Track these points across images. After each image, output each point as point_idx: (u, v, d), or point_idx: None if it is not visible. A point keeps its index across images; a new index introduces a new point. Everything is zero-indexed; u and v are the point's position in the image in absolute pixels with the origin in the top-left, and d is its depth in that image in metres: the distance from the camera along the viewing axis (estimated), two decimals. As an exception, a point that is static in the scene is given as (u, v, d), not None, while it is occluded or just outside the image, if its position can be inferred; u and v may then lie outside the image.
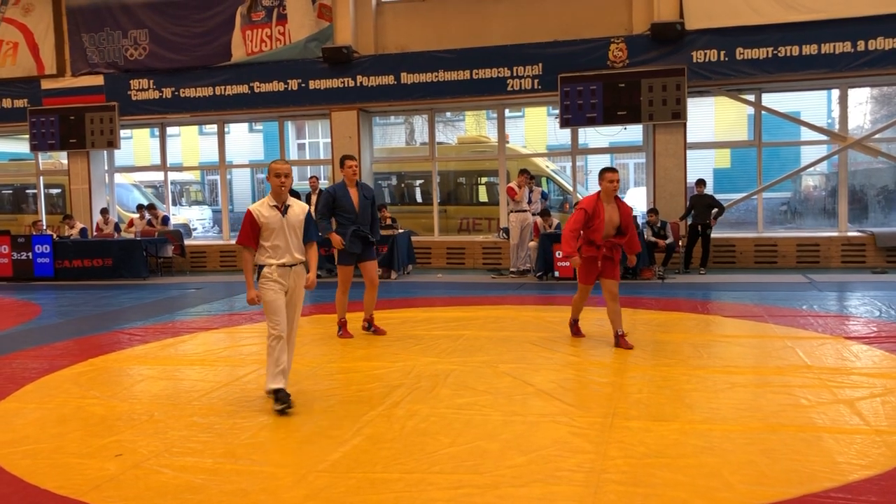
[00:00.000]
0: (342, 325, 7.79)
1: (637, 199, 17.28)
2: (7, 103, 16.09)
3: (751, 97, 13.69)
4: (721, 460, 4.07)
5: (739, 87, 13.39)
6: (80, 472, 4.15)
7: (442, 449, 4.34)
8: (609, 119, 13.35)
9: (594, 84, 13.19)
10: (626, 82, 13.08)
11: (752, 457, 4.10)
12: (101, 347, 7.65)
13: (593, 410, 5.01)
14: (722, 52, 12.88)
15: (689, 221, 12.68)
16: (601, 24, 13.49)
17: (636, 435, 4.49)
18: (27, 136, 16.13)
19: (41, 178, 17.62)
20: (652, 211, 12.59)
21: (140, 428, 4.87)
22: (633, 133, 17.97)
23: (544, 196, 13.63)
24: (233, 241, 16.42)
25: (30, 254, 14.13)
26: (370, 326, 7.86)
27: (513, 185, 12.88)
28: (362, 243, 7.58)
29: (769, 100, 13.83)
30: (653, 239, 12.38)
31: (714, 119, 22.20)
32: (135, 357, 7.21)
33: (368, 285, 7.76)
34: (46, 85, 15.85)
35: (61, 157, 17.68)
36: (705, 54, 12.95)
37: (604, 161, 25.63)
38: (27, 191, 19.54)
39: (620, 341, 6.95)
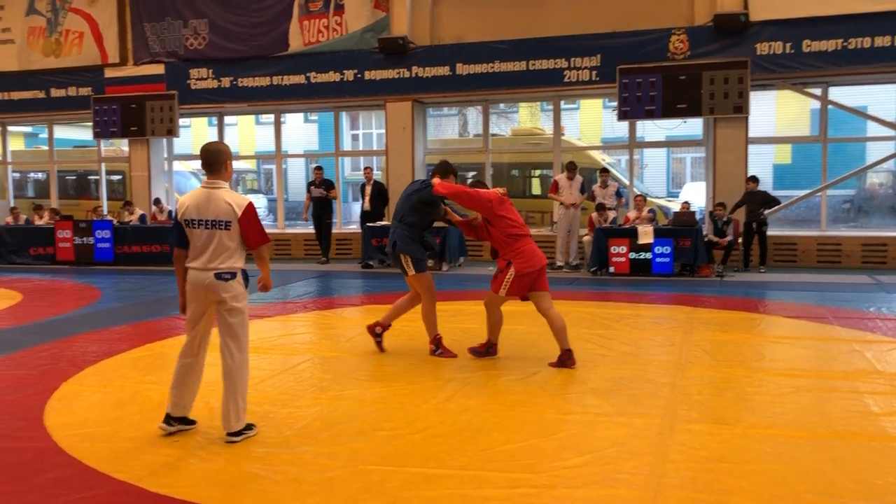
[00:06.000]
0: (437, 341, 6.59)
1: (694, 195, 16.92)
2: (72, 91, 16.46)
3: (817, 91, 13.25)
4: (787, 468, 3.92)
5: (805, 80, 12.97)
6: (137, 458, 4.19)
7: (496, 446, 4.27)
8: (668, 112, 13.06)
9: (654, 76, 12.91)
10: (686, 75, 12.76)
11: (819, 465, 3.94)
12: (159, 332, 7.76)
13: (652, 411, 4.88)
14: (788, 45, 12.47)
15: (744, 219, 12.35)
16: (662, 15, 13.18)
17: (697, 438, 4.36)
18: (90, 123, 16.49)
19: (103, 164, 18.02)
20: (720, 205, 12.25)
21: (196, 415, 4.90)
22: (691, 127, 17.60)
23: (620, 193, 13.31)
24: (288, 230, 16.58)
25: (91, 239, 14.45)
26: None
27: (558, 178, 12.84)
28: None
29: (836, 94, 13.37)
30: (713, 238, 12.09)
31: (775, 113, 21.62)
32: (191, 343, 7.28)
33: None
34: (109, 73, 16.17)
35: (122, 145, 18.05)
36: (770, 46, 12.56)
37: (661, 155, 25.26)
38: (89, 177, 20.03)
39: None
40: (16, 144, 22.74)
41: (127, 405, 5.22)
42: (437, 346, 6.54)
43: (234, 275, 4.43)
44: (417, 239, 6.43)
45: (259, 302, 9.80)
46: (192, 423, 4.68)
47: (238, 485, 3.81)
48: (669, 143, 20.78)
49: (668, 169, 26.23)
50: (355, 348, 7.01)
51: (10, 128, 18.79)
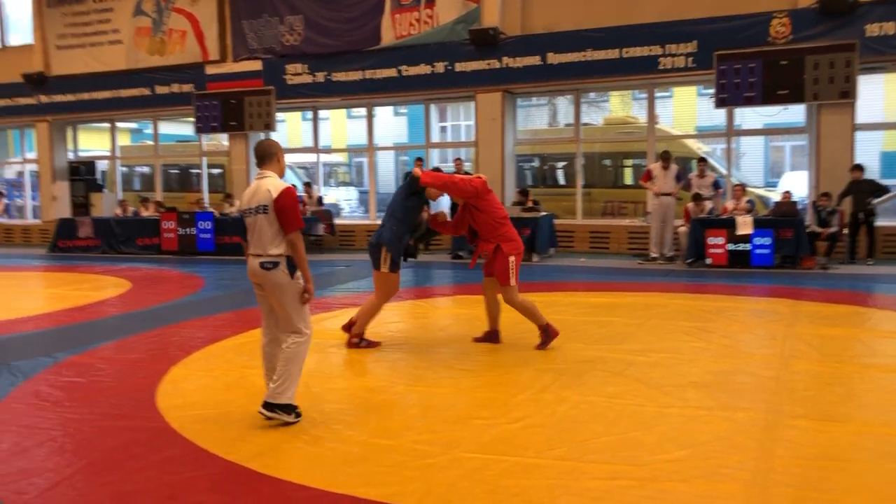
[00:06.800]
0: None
1: (794, 184, 16.27)
2: (175, 88, 17.15)
3: (932, 73, 12.52)
4: (905, 468, 3.73)
5: (921, 62, 12.27)
6: (245, 439, 4.35)
7: (595, 438, 4.23)
8: (769, 98, 12.58)
9: (753, 61, 12.46)
10: (788, 59, 12.26)
11: (942, 467, 3.74)
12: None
13: (755, 406, 4.74)
14: (901, 25, 11.82)
15: (851, 210, 11.77)
16: (762, -3, 12.70)
17: (805, 435, 4.21)
18: (192, 119, 17.14)
19: (204, 158, 18.69)
20: (825, 195, 11.74)
21: (298, 400, 5.03)
22: (792, 114, 16.91)
23: (718, 184, 12.90)
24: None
25: (193, 230, 15.03)
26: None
27: (652, 167, 12.57)
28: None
29: (954, 76, 12.61)
30: (816, 229, 11.60)
31: (884, 98, 20.53)
32: (290, 331, 7.50)
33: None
34: (210, 70, 16.75)
35: (222, 139, 18.69)
36: (881, 27, 11.92)
37: (758, 143, 24.39)
38: (191, 170, 20.81)
39: None
40: (123, 140, 23.85)
41: (233, 389, 5.42)
42: (361, 339, 6.58)
43: (276, 264, 4.52)
44: (403, 239, 6.53)
45: (353, 291, 10.00)
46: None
47: (340, 468, 3.90)
48: (768, 131, 20.11)
49: (765, 158, 25.32)
50: (448, 338, 7.08)
51: (118, 124, 19.74)
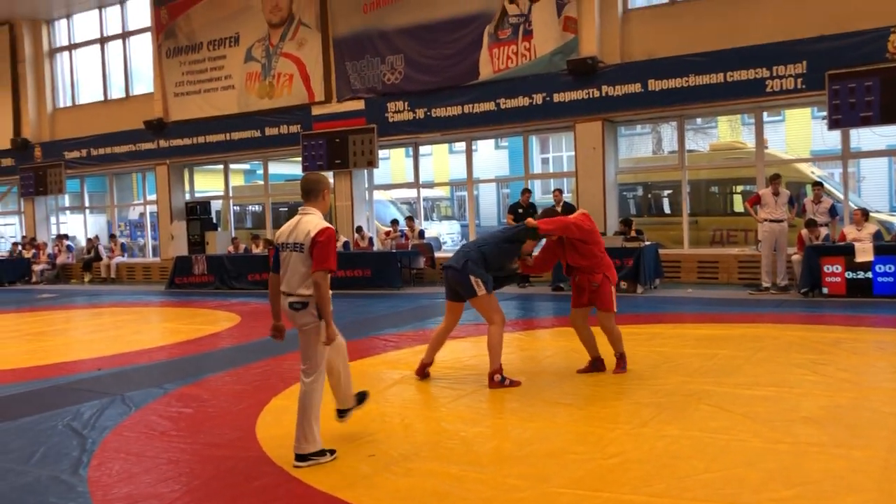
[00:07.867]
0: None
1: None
2: (284, 129, 17.83)
3: None
4: None
5: None
6: (337, 470, 4.38)
7: (695, 474, 4.03)
8: (889, 118, 11.87)
9: (869, 80, 11.83)
10: (909, 75, 11.59)
11: None
12: (359, 352, 8.11)
13: (875, 444, 4.40)
14: None
15: None
16: (877, 12, 12.03)
17: (931, 476, 3.87)
18: (299, 158, 17.75)
19: (311, 196, 19.27)
20: None
21: (391, 430, 5.06)
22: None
23: (835, 211, 12.26)
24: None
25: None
26: None
27: (762, 192, 12.05)
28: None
29: None
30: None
31: None
32: (388, 362, 7.58)
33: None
34: (316, 111, 17.34)
35: (328, 177, 19.25)
36: None
37: (881, 165, 23.07)
38: (299, 208, 21.55)
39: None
40: (236, 180, 24.98)
41: (329, 419, 5.45)
42: (503, 377, 6.26)
43: (305, 304, 4.43)
44: (484, 267, 6.32)
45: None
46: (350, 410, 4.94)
47: (430, 501, 3.86)
48: (890, 153, 19.00)
49: (890, 181, 23.94)
50: (547, 370, 6.96)
51: (231, 165, 20.66)
